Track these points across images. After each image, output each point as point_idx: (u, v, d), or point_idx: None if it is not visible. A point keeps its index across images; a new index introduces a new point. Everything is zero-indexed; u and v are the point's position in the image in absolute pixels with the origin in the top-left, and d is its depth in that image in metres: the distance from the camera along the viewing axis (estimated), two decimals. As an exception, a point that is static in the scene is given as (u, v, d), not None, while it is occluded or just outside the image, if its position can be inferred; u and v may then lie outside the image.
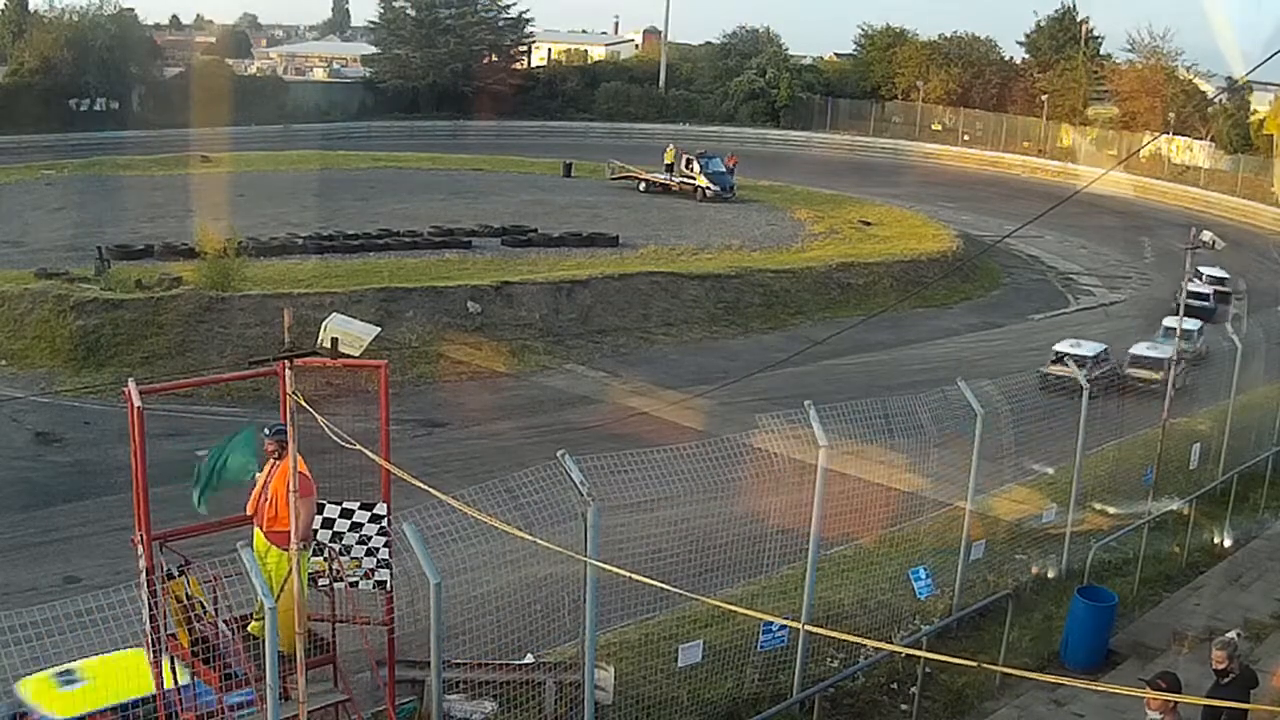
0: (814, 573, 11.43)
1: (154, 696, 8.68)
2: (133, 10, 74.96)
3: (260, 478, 9.03)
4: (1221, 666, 8.40)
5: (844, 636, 10.56)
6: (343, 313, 9.73)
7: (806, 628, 10.66)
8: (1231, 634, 8.94)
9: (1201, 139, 69.79)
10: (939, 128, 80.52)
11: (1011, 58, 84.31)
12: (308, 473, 8.46)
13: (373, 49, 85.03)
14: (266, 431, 9.02)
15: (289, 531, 8.20)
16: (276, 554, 8.59)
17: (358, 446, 7.40)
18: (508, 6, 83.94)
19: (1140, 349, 27.24)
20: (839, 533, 12.93)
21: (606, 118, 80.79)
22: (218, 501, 9.40)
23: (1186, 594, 14.32)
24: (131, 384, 8.62)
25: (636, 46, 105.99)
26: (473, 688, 10.54)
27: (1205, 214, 57.22)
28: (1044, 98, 76.13)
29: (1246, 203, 62.16)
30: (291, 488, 7.63)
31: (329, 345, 7.46)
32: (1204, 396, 20.36)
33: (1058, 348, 26.68)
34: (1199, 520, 16.25)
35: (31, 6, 74.35)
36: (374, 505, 8.86)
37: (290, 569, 8.39)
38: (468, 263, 35.50)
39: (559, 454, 9.45)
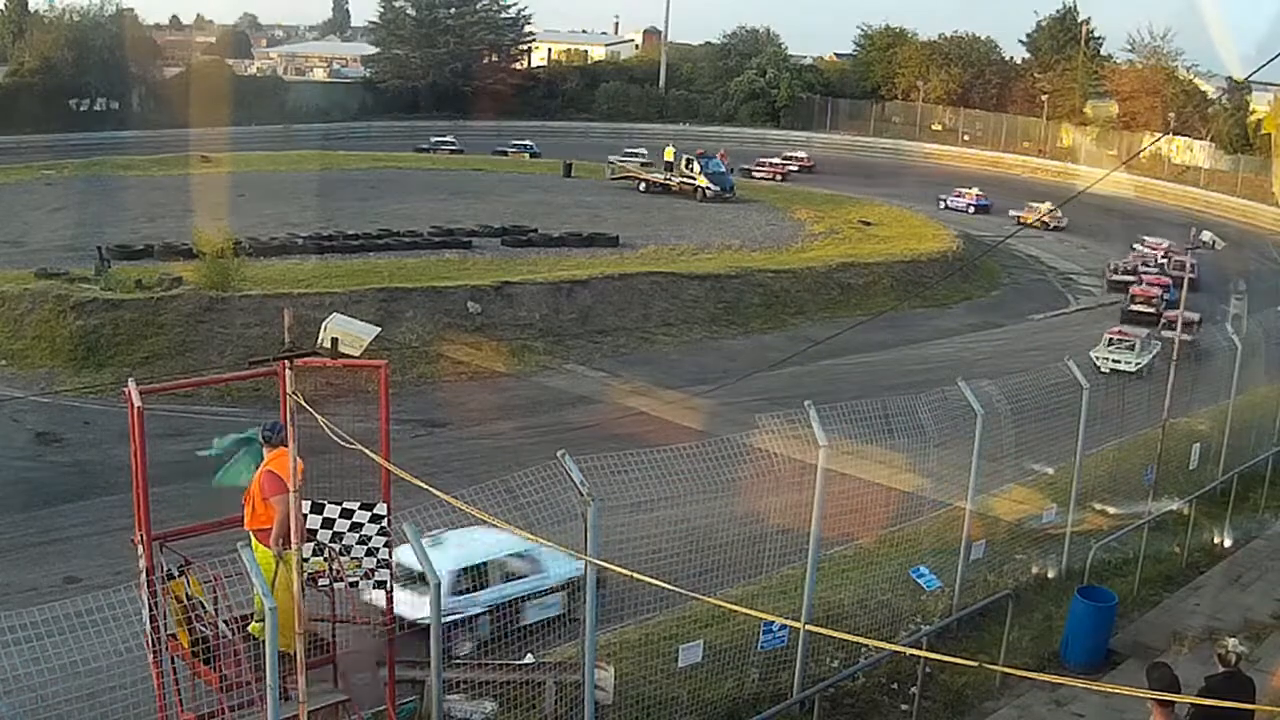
0: (814, 573, 11.41)
1: None
2: (133, 10, 75.28)
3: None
4: (1220, 653, 8.63)
5: (844, 636, 10.56)
6: (343, 313, 9.71)
7: (807, 627, 10.65)
8: (1232, 641, 8.98)
9: (1202, 139, 69.82)
10: (939, 128, 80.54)
11: (1012, 58, 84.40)
12: (279, 471, 8.50)
13: (373, 49, 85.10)
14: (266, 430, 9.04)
15: (266, 530, 8.60)
16: (263, 552, 8.59)
17: (358, 446, 7.39)
18: (507, 6, 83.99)
19: None
20: (839, 533, 12.93)
21: (606, 118, 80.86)
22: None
23: (1186, 594, 14.30)
24: (132, 384, 8.63)
25: (636, 47, 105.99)
26: (473, 688, 10.54)
27: (1205, 214, 57.25)
28: (1044, 98, 76.16)
29: (1247, 203, 62.22)
30: (292, 488, 7.62)
31: (329, 345, 7.44)
32: (1204, 396, 20.32)
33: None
34: (1199, 520, 16.22)
35: (31, 6, 74.47)
36: (374, 505, 8.85)
37: (277, 568, 8.42)
38: (468, 263, 35.52)
39: (559, 454, 9.44)
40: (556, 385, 27.71)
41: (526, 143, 67.32)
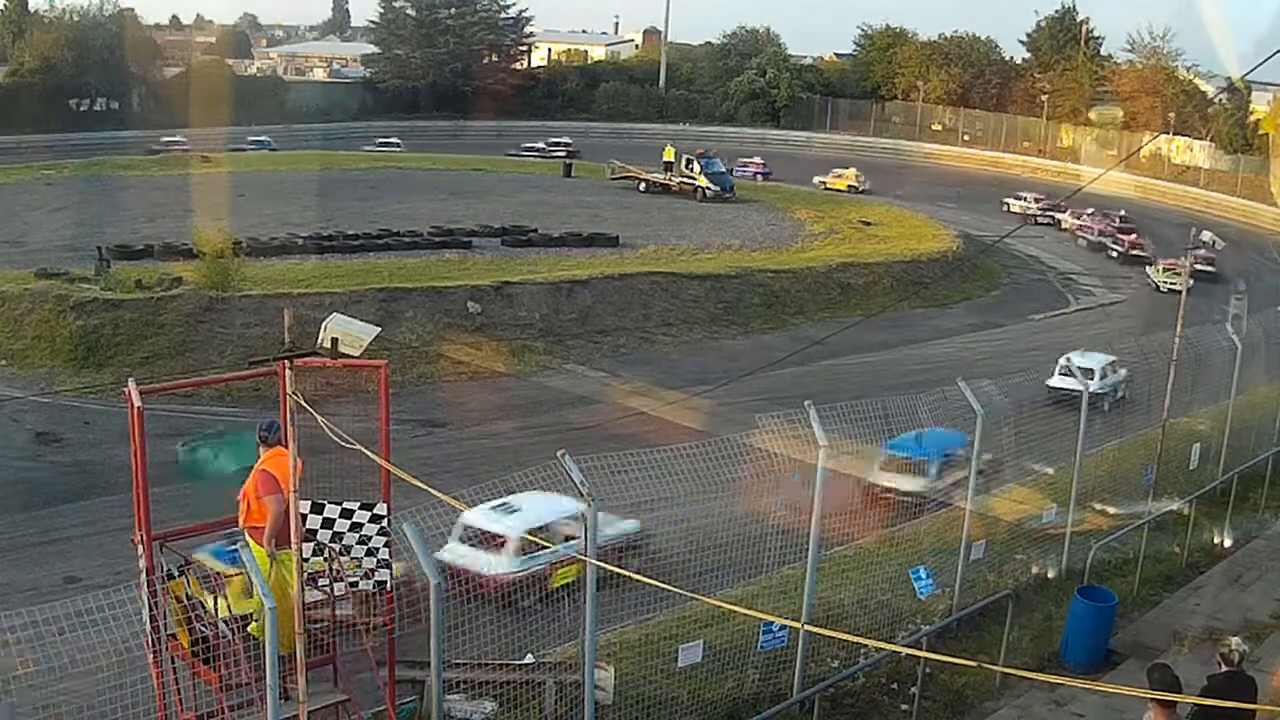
0: (814, 573, 11.40)
1: None
2: (133, 10, 75.46)
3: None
4: (1224, 652, 8.62)
5: (844, 636, 10.55)
6: (343, 313, 9.72)
7: (807, 627, 10.64)
8: (1235, 640, 8.99)
9: (1201, 139, 69.79)
10: (939, 128, 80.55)
11: (1012, 58, 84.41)
12: (275, 471, 8.50)
13: (373, 49, 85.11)
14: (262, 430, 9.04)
15: (260, 528, 8.66)
16: (258, 551, 8.60)
17: (358, 446, 7.39)
18: (508, 6, 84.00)
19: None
20: (839, 533, 12.93)
21: (606, 118, 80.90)
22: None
23: (1186, 594, 14.30)
24: (132, 384, 8.63)
25: (636, 47, 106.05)
26: (473, 688, 10.54)
27: (1205, 214, 57.25)
28: (1044, 98, 76.15)
29: (1246, 203, 62.19)
30: (292, 487, 7.62)
31: (329, 345, 7.43)
32: (1204, 396, 20.33)
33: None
34: (1199, 520, 16.22)
35: (31, 6, 74.59)
36: (374, 505, 8.85)
37: (271, 567, 8.43)
38: (468, 263, 35.50)
39: (559, 454, 9.43)
40: (556, 385, 27.71)
41: (263, 139, 65.85)
